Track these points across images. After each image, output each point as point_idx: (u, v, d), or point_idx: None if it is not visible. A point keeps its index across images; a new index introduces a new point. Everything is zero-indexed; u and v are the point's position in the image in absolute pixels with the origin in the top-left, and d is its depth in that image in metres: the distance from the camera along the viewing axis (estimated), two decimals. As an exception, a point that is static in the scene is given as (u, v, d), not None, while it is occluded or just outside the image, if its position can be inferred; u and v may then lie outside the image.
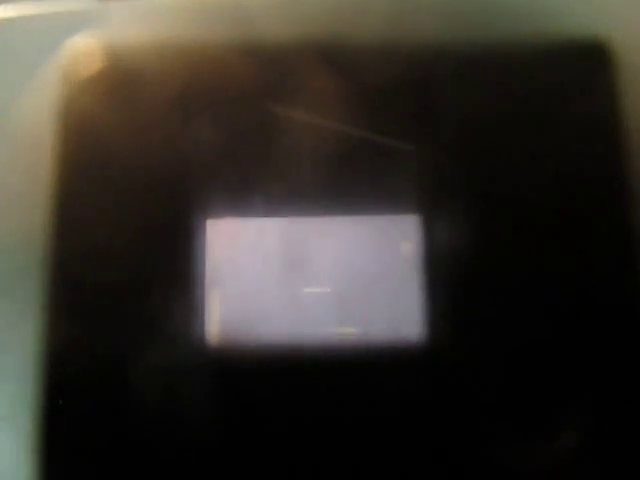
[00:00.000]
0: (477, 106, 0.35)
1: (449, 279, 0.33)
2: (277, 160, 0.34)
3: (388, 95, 0.34)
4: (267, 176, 0.34)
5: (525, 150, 0.34)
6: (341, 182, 0.34)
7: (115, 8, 0.37)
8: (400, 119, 0.35)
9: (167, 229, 0.34)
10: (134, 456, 0.33)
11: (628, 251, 0.33)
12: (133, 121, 0.34)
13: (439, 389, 0.33)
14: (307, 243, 0.34)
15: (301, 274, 0.34)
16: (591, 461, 0.33)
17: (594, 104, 0.34)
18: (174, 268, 0.34)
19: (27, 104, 0.35)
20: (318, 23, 0.35)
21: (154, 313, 0.33)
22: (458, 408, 0.33)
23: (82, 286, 0.33)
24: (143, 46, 0.35)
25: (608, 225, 0.34)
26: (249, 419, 0.33)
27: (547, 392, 0.33)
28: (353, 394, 0.33)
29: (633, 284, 0.33)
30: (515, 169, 0.34)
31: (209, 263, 0.34)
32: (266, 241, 0.34)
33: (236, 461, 0.33)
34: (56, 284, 0.33)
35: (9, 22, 0.37)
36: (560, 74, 0.35)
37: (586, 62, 0.35)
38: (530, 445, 0.33)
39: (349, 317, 0.34)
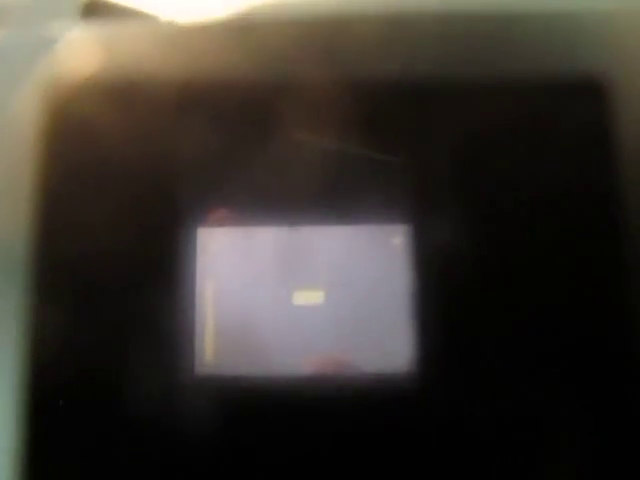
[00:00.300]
0: (474, 129, 0.34)
1: (442, 296, 0.33)
2: (270, 170, 0.34)
3: (383, 113, 0.35)
4: (259, 185, 0.34)
5: (519, 170, 0.34)
6: (333, 192, 0.34)
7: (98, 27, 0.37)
8: (395, 135, 0.35)
9: (158, 238, 0.34)
10: (121, 460, 0.33)
11: (625, 277, 0.33)
12: (124, 130, 0.34)
13: (429, 407, 0.33)
14: (299, 252, 0.34)
15: (293, 284, 0.34)
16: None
17: (589, 136, 0.34)
18: (165, 276, 0.33)
19: (12, 112, 0.35)
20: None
21: (144, 321, 0.33)
22: (452, 438, 0.32)
23: (70, 296, 0.33)
24: (131, 58, 0.35)
25: (606, 248, 0.34)
26: (240, 428, 0.33)
27: (545, 423, 0.33)
28: (342, 412, 0.33)
29: (632, 305, 0.33)
30: (509, 186, 0.34)
31: (200, 272, 0.34)
32: (257, 250, 0.34)
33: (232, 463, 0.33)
34: (42, 294, 0.33)
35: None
36: (556, 106, 0.35)
37: (582, 97, 0.35)
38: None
39: (340, 329, 0.34)
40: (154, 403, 0.33)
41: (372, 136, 0.35)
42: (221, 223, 0.34)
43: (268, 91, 0.35)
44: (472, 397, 0.33)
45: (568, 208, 0.34)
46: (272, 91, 0.35)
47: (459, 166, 0.34)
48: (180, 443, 0.32)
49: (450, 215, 0.34)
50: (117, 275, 0.33)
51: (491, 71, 0.35)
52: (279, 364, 0.33)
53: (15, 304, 0.33)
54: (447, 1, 0.36)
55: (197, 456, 0.32)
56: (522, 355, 0.33)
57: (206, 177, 0.34)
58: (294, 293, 0.34)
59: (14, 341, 0.33)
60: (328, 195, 0.34)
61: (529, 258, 0.34)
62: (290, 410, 0.33)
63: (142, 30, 0.36)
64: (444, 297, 0.33)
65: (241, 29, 0.35)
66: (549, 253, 0.34)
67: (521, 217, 0.34)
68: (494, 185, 0.34)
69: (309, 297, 0.34)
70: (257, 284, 0.34)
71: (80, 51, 0.35)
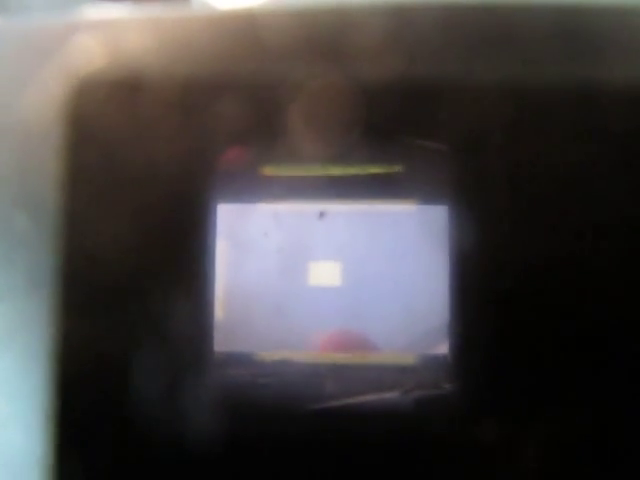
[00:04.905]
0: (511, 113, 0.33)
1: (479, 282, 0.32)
2: (291, 145, 0.34)
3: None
4: (279, 161, 0.34)
5: (556, 154, 0.32)
6: (359, 166, 0.34)
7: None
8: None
9: (177, 214, 0.33)
10: (135, 457, 0.32)
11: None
12: (141, 109, 0.34)
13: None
14: (321, 231, 0.34)
15: (312, 264, 0.33)
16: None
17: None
18: (184, 253, 0.33)
19: (33, 102, 0.35)
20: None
21: (164, 302, 0.32)
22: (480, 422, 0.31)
23: (92, 277, 0.32)
24: (147, 45, 0.35)
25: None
26: (257, 414, 0.32)
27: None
28: (363, 393, 0.32)
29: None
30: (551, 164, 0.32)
31: (219, 248, 0.33)
32: (277, 227, 0.34)
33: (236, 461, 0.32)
34: (66, 278, 0.32)
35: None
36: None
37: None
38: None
39: (359, 316, 0.33)
40: (175, 387, 0.32)
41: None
42: (241, 199, 0.34)
43: (281, 82, 0.34)
44: (498, 382, 0.32)
45: (615, 196, 0.31)
46: (283, 82, 0.34)
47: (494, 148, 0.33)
48: (200, 425, 0.32)
49: (480, 196, 0.33)
50: (138, 255, 0.33)
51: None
52: (298, 342, 0.33)
53: (43, 299, 0.32)
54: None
55: (217, 437, 0.32)
56: (554, 337, 0.31)
57: (226, 153, 0.34)
58: (314, 272, 0.33)
59: (42, 338, 0.32)
60: (357, 169, 0.34)
61: (575, 239, 0.31)
62: (309, 391, 0.32)
63: (168, 14, 0.36)
64: (471, 279, 0.32)
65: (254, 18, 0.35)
66: (590, 242, 0.31)
67: (566, 192, 0.31)
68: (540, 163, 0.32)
69: (328, 276, 0.33)
70: (275, 261, 0.33)
71: (105, 34, 0.35)
